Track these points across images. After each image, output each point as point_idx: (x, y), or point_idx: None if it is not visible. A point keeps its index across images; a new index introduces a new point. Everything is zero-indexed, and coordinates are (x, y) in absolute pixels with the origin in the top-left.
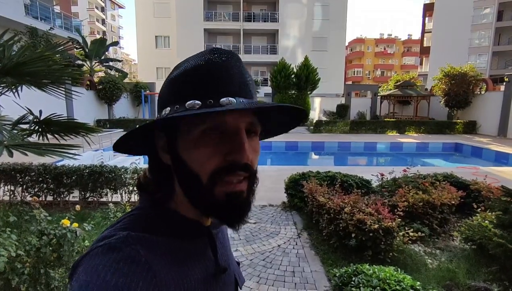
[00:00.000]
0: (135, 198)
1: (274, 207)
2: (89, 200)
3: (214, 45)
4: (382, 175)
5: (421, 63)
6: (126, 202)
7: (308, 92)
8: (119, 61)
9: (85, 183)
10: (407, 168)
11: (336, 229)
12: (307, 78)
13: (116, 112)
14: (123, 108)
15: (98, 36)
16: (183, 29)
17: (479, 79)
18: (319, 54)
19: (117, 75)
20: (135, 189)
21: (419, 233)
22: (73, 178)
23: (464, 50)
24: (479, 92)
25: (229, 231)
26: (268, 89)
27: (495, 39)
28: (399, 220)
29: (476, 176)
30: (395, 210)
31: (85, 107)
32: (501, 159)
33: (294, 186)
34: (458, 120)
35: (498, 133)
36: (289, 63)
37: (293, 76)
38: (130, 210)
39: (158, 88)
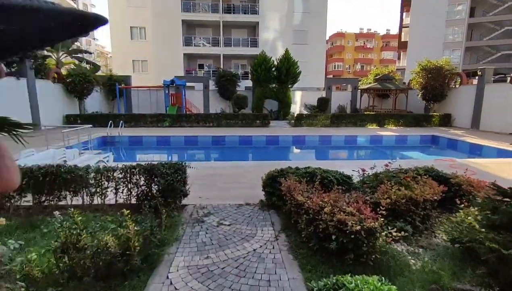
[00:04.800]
0: (98, 200)
1: (251, 206)
2: (45, 204)
3: (193, 38)
4: (363, 170)
5: (398, 58)
6: (88, 205)
7: (289, 86)
8: (90, 53)
9: (40, 185)
10: (389, 162)
11: (316, 230)
12: (287, 71)
13: (88, 107)
14: (96, 103)
15: None
16: (160, 20)
17: (454, 73)
18: (300, 47)
19: (88, 68)
20: (98, 190)
21: (403, 233)
22: (25, 180)
23: (439, 45)
24: (454, 86)
25: (201, 236)
26: (248, 83)
27: (467, 35)
28: (382, 219)
29: (456, 169)
30: (378, 209)
31: (53, 101)
32: (475, 151)
33: (271, 183)
34: (435, 113)
35: (471, 125)
36: (270, 56)
37: (273, 69)
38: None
39: (134, 82)
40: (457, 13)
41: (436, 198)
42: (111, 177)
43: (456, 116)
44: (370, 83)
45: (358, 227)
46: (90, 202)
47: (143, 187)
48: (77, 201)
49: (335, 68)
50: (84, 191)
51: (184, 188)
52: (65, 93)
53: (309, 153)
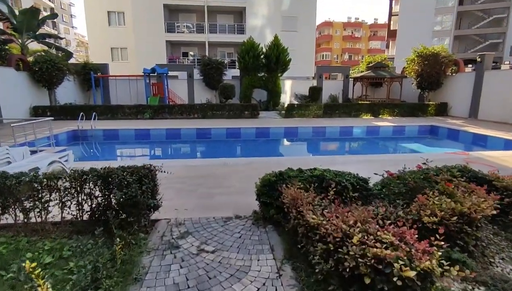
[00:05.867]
0: (36, 218)
1: (242, 219)
2: None
3: (176, 24)
4: (390, 174)
5: (387, 47)
6: (22, 224)
7: (279, 74)
8: (60, 38)
9: None
10: (424, 163)
11: (338, 267)
12: (277, 59)
13: (60, 98)
14: (69, 93)
15: (45, 14)
16: (139, 4)
17: (451, 60)
18: (289, 34)
19: (60, 55)
20: (37, 204)
21: (467, 272)
22: None
23: (428, 34)
24: (450, 74)
25: (173, 272)
26: (235, 72)
27: (456, 23)
28: (439, 254)
29: (474, 163)
30: (430, 235)
31: (18, 91)
32: (478, 142)
33: (268, 191)
34: (430, 103)
35: (469, 115)
36: (258, 43)
37: (262, 56)
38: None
39: (114, 71)
40: (446, 1)
41: (493, 212)
42: (55, 187)
43: (452, 105)
44: (362, 71)
45: (413, 274)
46: (26, 220)
47: (99, 199)
48: (7, 219)
49: (323, 58)
50: (16, 206)
51: (154, 199)
52: (32, 83)
53: (304, 146)
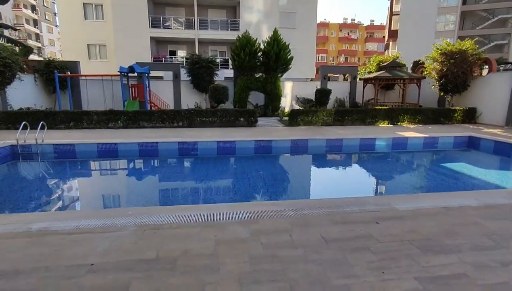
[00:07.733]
0: None
1: None
2: None
3: (161, 18)
4: None
5: (387, 48)
6: None
7: (279, 75)
8: (14, 29)
9: None
10: None
11: None
12: (277, 56)
13: (14, 102)
14: (27, 95)
15: (24, 11)
16: None
17: (481, 58)
18: (287, 32)
19: (15, 48)
20: None
21: None
22: None
23: (430, 34)
24: (479, 74)
25: None
26: (229, 72)
27: (460, 24)
28: None
29: None
30: None
31: None
32: None
33: None
34: (457, 108)
35: (506, 122)
36: (255, 38)
37: (260, 54)
38: None
39: (89, 70)
40: (450, 0)
41: None
42: None
43: (483, 111)
44: (370, 72)
45: None
46: None
47: None
48: None
49: (319, 59)
50: None
51: None
52: None
53: (322, 170)
